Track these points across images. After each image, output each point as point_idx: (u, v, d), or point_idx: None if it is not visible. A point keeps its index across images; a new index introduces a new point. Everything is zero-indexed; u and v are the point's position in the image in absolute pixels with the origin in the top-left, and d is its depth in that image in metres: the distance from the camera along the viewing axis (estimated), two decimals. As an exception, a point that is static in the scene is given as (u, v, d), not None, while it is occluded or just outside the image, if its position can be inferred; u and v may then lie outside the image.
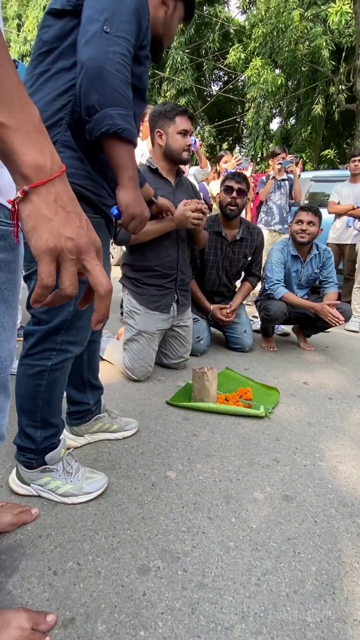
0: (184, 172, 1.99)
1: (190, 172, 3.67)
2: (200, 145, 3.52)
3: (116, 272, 2.02)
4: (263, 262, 2.63)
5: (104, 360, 2.10)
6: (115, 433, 1.36)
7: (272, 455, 1.36)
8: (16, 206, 0.37)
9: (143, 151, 2.88)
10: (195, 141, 3.20)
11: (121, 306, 2.06)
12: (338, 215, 3.84)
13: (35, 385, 0.96)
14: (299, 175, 4.17)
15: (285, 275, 2.56)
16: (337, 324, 2.28)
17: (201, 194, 4.19)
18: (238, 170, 3.46)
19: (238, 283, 2.65)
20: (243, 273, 2.58)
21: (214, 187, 3.66)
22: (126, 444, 1.35)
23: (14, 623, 0.69)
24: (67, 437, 1.28)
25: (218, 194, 2.38)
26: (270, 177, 3.73)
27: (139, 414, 1.57)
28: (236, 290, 2.58)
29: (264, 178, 3.91)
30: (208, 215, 2.42)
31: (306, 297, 2.64)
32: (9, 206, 0.47)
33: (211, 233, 2.35)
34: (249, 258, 2.46)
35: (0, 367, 0.51)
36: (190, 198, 1.97)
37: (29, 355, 0.96)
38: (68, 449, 1.26)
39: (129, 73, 0.83)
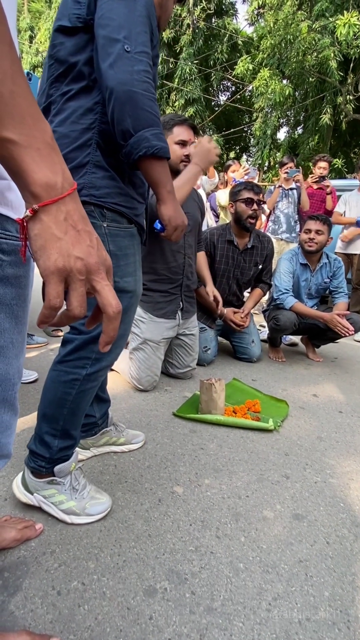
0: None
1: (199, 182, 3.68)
2: None
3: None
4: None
5: (112, 370, 2.08)
6: (122, 446, 1.34)
7: (282, 471, 1.32)
8: (25, 224, 0.36)
9: None
10: None
11: None
12: (345, 226, 3.83)
13: (64, 393, 0.95)
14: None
15: (295, 285, 2.53)
16: (347, 335, 2.25)
17: (209, 203, 4.21)
18: (247, 180, 3.47)
19: (246, 293, 2.64)
20: (252, 282, 2.56)
21: (222, 197, 3.66)
22: (132, 456, 1.33)
23: (16, 647, 0.66)
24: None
25: (230, 204, 2.35)
26: (277, 186, 3.74)
27: (145, 425, 1.55)
28: (245, 300, 2.56)
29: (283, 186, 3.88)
30: (217, 224, 2.40)
31: (315, 307, 2.61)
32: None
33: (222, 242, 2.34)
34: (260, 266, 2.45)
35: (8, 384, 0.50)
36: (194, 202, 1.97)
37: (64, 361, 0.95)
38: (80, 460, 1.24)
39: (154, 89, 0.84)
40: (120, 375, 2.00)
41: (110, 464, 1.27)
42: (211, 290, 2.23)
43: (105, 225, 0.88)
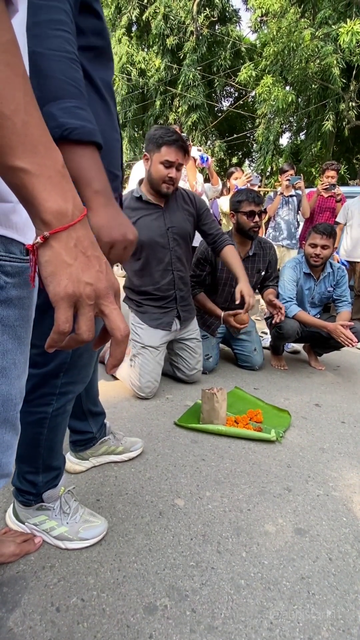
0: (176, 189, 1.86)
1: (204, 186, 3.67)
2: (212, 162, 3.52)
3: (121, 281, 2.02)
4: None
5: (114, 377, 2.08)
6: (121, 455, 1.33)
7: (284, 483, 1.31)
8: (35, 251, 0.37)
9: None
10: (207, 158, 3.20)
11: None
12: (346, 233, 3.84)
13: (36, 433, 0.88)
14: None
15: (298, 293, 2.53)
16: (350, 346, 2.24)
17: (211, 210, 4.21)
18: (249, 187, 3.48)
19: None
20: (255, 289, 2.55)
21: (224, 203, 3.66)
22: (133, 467, 1.32)
23: (14, 667, 0.65)
24: (72, 462, 1.25)
25: (231, 213, 2.35)
26: (278, 193, 3.75)
27: (146, 435, 1.54)
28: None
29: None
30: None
31: (318, 315, 2.60)
32: (26, 242, 0.46)
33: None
34: (262, 273, 2.44)
35: (9, 404, 0.49)
36: (183, 211, 1.91)
37: (27, 401, 0.88)
38: (79, 472, 1.23)
39: (73, 43, 0.61)
40: (122, 384, 2.00)
41: (111, 475, 1.26)
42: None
43: None
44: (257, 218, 2.23)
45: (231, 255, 1.93)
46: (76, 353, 0.85)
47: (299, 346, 3.05)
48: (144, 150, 1.79)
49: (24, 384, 0.53)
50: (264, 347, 2.75)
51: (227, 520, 1.11)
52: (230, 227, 3.54)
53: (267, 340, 2.86)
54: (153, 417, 1.70)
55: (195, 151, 3.17)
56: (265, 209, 2.29)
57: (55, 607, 0.81)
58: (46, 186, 0.35)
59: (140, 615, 0.81)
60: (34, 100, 0.35)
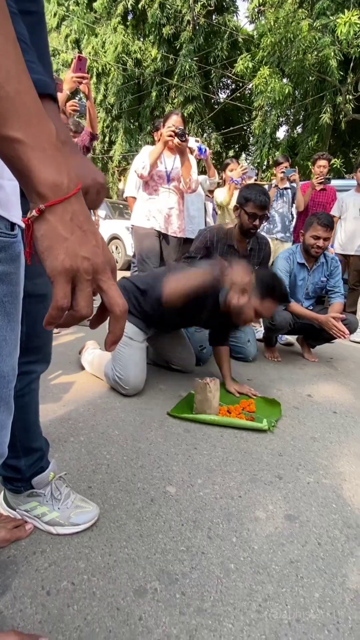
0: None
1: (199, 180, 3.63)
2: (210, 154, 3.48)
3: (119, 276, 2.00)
4: None
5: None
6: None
7: (275, 471, 1.32)
8: (31, 225, 0.36)
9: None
10: (205, 150, 3.17)
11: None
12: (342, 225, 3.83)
13: None
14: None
15: (292, 285, 2.53)
16: (342, 337, 2.25)
17: (210, 204, 4.19)
18: (245, 179, 3.45)
19: None
20: None
21: (219, 195, 3.64)
22: (125, 455, 1.32)
23: (4, 647, 0.66)
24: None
25: (236, 206, 2.30)
26: (273, 185, 3.73)
27: (139, 424, 1.54)
28: None
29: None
30: (213, 225, 2.36)
31: (312, 307, 2.61)
32: (10, 218, 0.45)
33: (223, 247, 2.32)
34: (257, 268, 2.44)
35: (3, 382, 0.49)
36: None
37: None
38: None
39: None
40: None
41: (103, 464, 1.27)
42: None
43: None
44: (257, 222, 2.21)
45: (224, 355, 1.99)
46: (32, 333, 0.84)
47: (292, 338, 3.07)
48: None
49: (16, 361, 0.52)
50: (258, 339, 2.76)
51: (218, 506, 1.12)
52: (227, 220, 3.53)
53: (260, 332, 2.87)
54: (146, 407, 1.71)
55: (193, 142, 3.14)
56: (267, 214, 2.26)
57: (45, 590, 0.81)
58: (41, 158, 0.34)
59: (130, 598, 0.82)
60: (25, 69, 0.34)
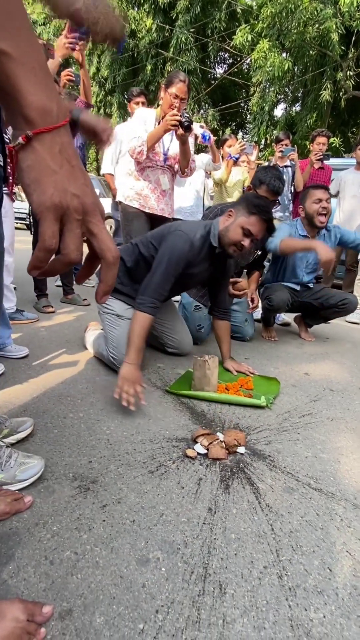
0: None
1: (200, 159, 3.50)
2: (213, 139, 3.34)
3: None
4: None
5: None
6: (8, 438, 1.17)
7: (274, 445, 1.34)
8: (15, 155, 0.32)
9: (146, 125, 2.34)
10: (209, 137, 3.06)
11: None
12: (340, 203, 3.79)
13: None
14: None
15: (293, 259, 2.47)
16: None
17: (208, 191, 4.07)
18: (244, 155, 3.37)
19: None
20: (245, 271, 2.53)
21: (217, 172, 3.56)
22: (125, 431, 1.32)
23: (9, 614, 0.66)
24: None
25: (250, 186, 2.22)
26: (272, 164, 3.66)
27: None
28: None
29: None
30: (225, 204, 2.25)
31: (312, 282, 2.58)
32: None
33: None
34: (259, 252, 2.42)
35: None
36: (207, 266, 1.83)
37: None
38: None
39: None
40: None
41: (103, 439, 1.26)
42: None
43: None
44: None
45: (225, 331, 1.96)
46: None
47: (289, 318, 3.07)
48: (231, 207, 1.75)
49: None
50: (256, 320, 2.76)
51: (218, 479, 1.13)
52: (225, 196, 3.46)
53: (258, 313, 2.87)
54: (145, 384, 1.70)
55: (197, 128, 3.02)
56: (277, 200, 2.18)
57: (49, 560, 0.82)
58: (30, 78, 0.31)
59: (133, 567, 0.82)
60: None
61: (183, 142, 2.13)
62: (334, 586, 0.83)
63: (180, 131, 2.01)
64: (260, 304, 2.63)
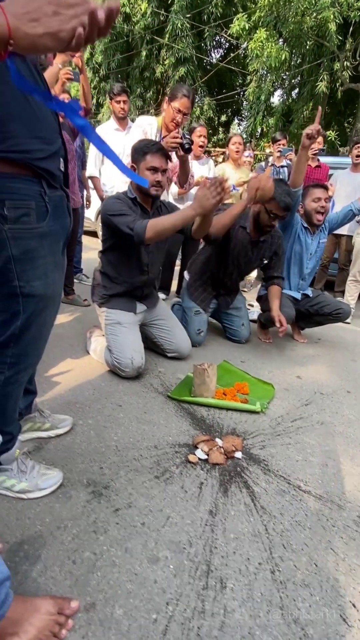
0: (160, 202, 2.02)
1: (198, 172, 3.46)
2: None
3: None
4: None
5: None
6: (48, 432, 1.35)
7: (268, 450, 1.46)
8: None
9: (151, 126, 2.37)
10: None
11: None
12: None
13: None
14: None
15: (297, 249, 2.55)
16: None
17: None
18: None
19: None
20: (255, 272, 2.60)
21: (226, 171, 3.54)
22: (132, 437, 1.44)
23: (43, 609, 0.78)
24: None
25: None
26: (269, 164, 3.73)
27: (142, 407, 1.65)
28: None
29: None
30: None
31: (317, 269, 2.72)
32: None
33: (236, 227, 2.29)
34: (265, 261, 2.45)
35: None
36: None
37: None
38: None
39: None
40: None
41: (112, 445, 1.38)
42: (277, 315, 2.26)
43: (6, 228, 0.81)
44: (275, 223, 2.23)
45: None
46: (24, 327, 0.91)
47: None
48: (130, 162, 1.89)
49: None
50: (251, 320, 2.86)
51: (218, 483, 1.25)
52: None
53: (253, 313, 2.97)
54: (147, 389, 1.81)
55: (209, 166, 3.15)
56: (286, 216, 2.23)
57: (71, 560, 0.94)
58: None
59: (145, 565, 0.94)
60: None
61: (183, 162, 2.21)
62: (319, 580, 0.96)
63: (181, 152, 2.08)
64: (260, 306, 2.73)
